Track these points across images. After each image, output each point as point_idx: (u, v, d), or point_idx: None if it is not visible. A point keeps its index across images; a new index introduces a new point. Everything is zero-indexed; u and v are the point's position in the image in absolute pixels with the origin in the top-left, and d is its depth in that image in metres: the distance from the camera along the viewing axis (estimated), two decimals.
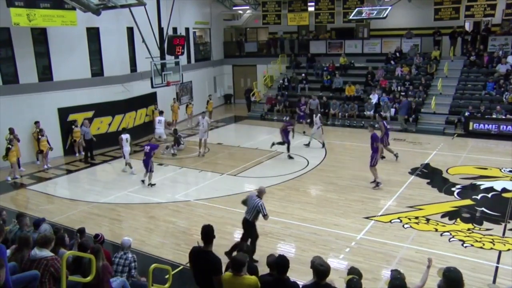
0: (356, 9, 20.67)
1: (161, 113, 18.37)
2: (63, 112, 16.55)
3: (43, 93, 15.91)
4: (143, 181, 13.23)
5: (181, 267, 8.16)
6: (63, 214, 11.11)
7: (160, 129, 17.75)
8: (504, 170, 13.44)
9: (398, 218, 10.20)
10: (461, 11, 21.25)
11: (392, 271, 4.66)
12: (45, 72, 16.17)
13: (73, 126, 16.49)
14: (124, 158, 14.58)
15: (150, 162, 12.82)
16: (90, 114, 17.22)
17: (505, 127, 17.68)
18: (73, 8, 14.45)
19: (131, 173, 14.31)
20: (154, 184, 13.02)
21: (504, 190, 11.84)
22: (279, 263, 4.82)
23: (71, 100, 16.64)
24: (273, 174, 13.77)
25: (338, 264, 8.13)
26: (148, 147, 12.98)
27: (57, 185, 13.93)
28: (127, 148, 14.49)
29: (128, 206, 11.65)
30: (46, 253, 5.29)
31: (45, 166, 15.26)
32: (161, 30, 16.37)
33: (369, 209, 10.80)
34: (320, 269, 4.60)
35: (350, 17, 20.83)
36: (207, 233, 5.35)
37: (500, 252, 8.49)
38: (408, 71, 22.23)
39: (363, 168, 14.00)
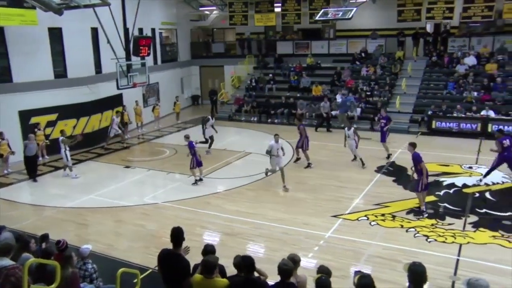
0: (322, 10, 20.97)
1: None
2: (25, 115, 16.00)
3: (1, 95, 15.28)
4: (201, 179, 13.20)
5: (150, 270, 8.05)
6: (27, 220, 10.76)
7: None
8: (464, 167, 13.94)
9: (365, 215, 10.41)
10: (423, 13, 21.90)
11: (356, 272, 4.76)
12: (4, 73, 15.59)
13: (36, 129, 15.94)
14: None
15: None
16: (54, 116, 16.76)
17: (465, 125, 18.35)
18: (33, 7, 14.00)
19: (72, 177, 14.16)
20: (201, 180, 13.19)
21: (465, 185, 12.29)
22: (245, 263, 4.85)
23: (33, 103, 16.09)
24: (243, 175, 13.78)
25: (307, 263, 8.22)
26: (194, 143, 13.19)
27: (19, 191, 13.45)
28: (62, 151, 14.10)
29: (95, 210, 11.40)
30: (6, 262, 5.09)
31: (6, 171, 14.71)
32: (126, 30, 16.10)
33: (337, 207, 10.97)
34: (283, 268, 4.71)
35: (317, 18, 21.14)
36: (177, 235, 5.32)
37: (460, 245, 8.81)
38: (373, 71, 22.73)
39: (331, 167, 14.25)
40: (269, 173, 13.10)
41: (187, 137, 13.40)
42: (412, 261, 4.45)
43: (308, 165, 14.45)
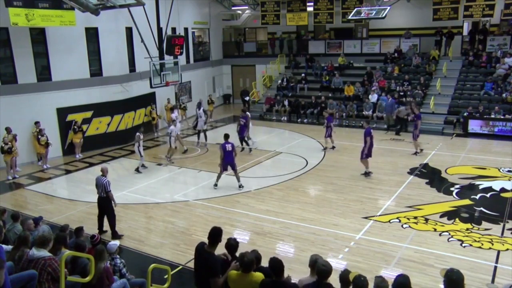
0: (355, 9, 20.69)
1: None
2: (62, 112, 16.53)
3: (41, 93, 15.90)
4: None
5: (180, 267, 8.16)
6: (62, 214, 11.11)
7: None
8: (502, 170, 13.45)
9: (397, 218, 10.20)
10: (460, 11, 21.28)
11: (376, 277, 4.59)
12: (43, 72, 16.17)
13: (76, 127, 16.44)
14: None
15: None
16: (89, 114, 17.24)
17: (503, 127, 17.67)
18: (72, 8, 14.44)
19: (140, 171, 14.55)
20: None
21: (503, 190, 11.85)
22: (273, 266, 4.81)
23: (70, 100, 16.63)
24: (272, 174, 13.77)
25: (337, 264, 8.12)
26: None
27: (56, 185, 13.91)
28: (136, 146, 14.55)
29: (127, 206, 11.63)
30: (44, 253, 5.29)
31: (44, 166, 15.25)
32: (160, 30, 16.37)
33: (368, 209, 10.80)
34: (323, 269, 4.59)
35: (349, 17, 20.83)
36: (214, 235, 5.33)
37: (498, 252, 8.50)
38: (398, 71, 22.30)
39: (362, 168, 14.02)
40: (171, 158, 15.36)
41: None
42: (450, 267, 4.30)
43: (367, 174, 13.29)
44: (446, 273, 4.11)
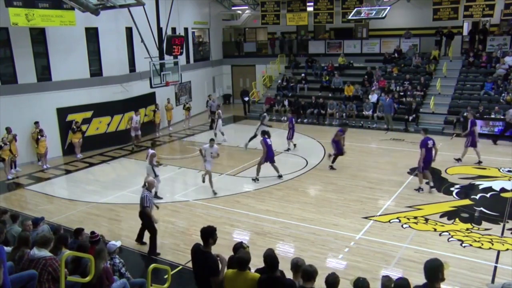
0: (355, 9, 20.70)
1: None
2: (62, 112, 16.54)
3: (41, 93, 15.90)
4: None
5: (180, 267, 8.16)
6: (62, 214, 11.11)
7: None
8: (502, 170, 13.45)
9: (397, 218, 10.20)
10: (460, 11, 21.28)
11: (383, 276, 4.59)
12: (43, 72, 16.17)
13: (74, 127, 16.44)
14: None
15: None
16: (89, 114, 17.25)
17: (503, 127, 17.65)
18: (72, 8, 14.44)
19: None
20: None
21: (503, 190, 11.84)
22: (267, 261, 4.81)
23: (70, 100, 16.63)
24: (272, 174, 13.76)
25: (337, 264, 8.14)
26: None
27: (56, 185, 13.91)
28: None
29: (127, 206, 11.64)
30: (45, 253, 5.29)
31: (44, 166, 15.25)
32: (160, 30, 16.36)
33: (368, 209, 10.80)
34: (310, 271, 4.54)
35: (349, 17, 20.85)
36: (206, 233, 5.37)
37: (498, 252, 8.50)
38: (397, 71, 22.33)
39: (362, 168, 14.03)
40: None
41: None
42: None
43: (431, 188, 11.94)
44: (425, 262, 4.19)
